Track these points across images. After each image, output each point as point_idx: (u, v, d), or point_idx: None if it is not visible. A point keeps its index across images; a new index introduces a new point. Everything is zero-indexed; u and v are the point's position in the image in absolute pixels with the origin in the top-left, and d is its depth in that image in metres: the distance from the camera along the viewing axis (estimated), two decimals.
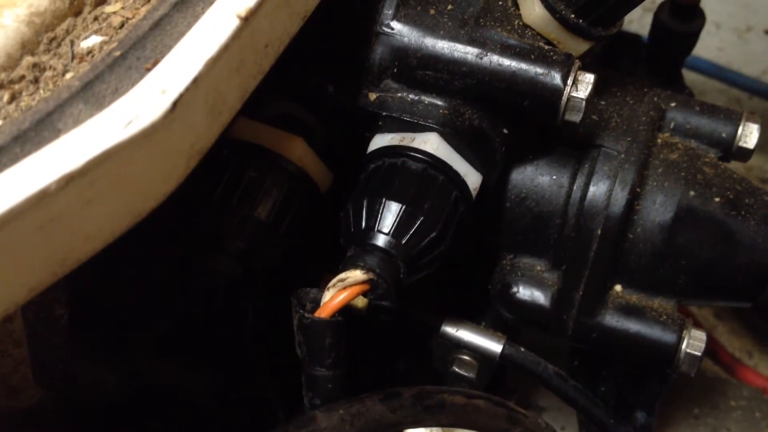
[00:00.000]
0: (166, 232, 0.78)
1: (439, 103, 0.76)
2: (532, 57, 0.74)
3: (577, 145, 0.82)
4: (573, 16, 0.76)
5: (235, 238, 0.78)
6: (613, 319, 0.82)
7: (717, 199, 0.81)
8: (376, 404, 0.66)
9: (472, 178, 0.75)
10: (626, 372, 0.89)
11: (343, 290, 0.68)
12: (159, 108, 0.52)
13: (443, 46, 0.75)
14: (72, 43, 0.59)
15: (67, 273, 0.53)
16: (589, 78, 0.74)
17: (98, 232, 0.53)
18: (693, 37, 1.04)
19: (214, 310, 0.83)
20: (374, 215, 0.71)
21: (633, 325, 0.82)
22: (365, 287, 0.69)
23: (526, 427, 0.71)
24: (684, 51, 1.06)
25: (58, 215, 0.50)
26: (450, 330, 0.83)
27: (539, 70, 0.74)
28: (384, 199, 0.71)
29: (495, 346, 0.83)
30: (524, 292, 0.83)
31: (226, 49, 0.56)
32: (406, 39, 0.76)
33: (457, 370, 0.86)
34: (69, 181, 0.49)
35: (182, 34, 0.57)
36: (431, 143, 0.74)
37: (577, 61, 0.75)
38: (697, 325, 0.84)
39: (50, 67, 0.58)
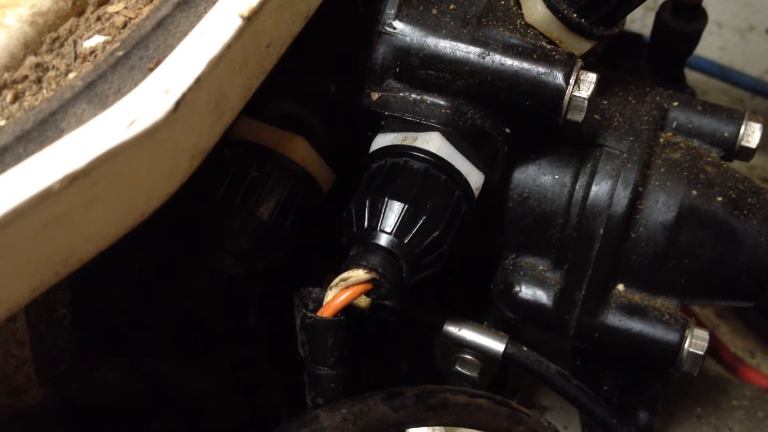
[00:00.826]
0: (169, 232, 0.78)
1: (442, 102, 0.76)
2: (535, 56, 0.74)
3: (579, 145, 0.82)
4: (575, 15, 0.75)
5: (237, 238, 0.78)
6: (615, 319, 0.82)
7: (719, 199, 0.81)
8: (379, 403, 0.66)
9: (475, 178, 0.75)
10: (629, 371, 0.89)
11: (345, 290, 0.68)
12: (162, 108, 0.52)
13: (445, 45, 0.75)
14: (75, 43, 0.59)
15: (70, 273, 0.53)
16: (591, 77, 0.74)
17: (101, 231, 0.53)
18: (695, 37, 1.04)
19: (217, 309, 0.83)
20: (377, 215, 0.71)
21: (635, 325, 0.82)
22: (368, 287, 0.69)
23: (529, 426, 0.71)
24: (686, 50, 1.06)
25: (61, 215, 0.50)
26: (452, 329, 0.83)
27: (541, 69, 0.74)
28: (386, 199, 0.71)
29: (497, 346, 0.82)
30: (527, 292, 0.83)
31: (228, 48, 0.56)
32: (408, 38, 0.76)
33: (459, 369, 0.86)
34: (72, 180, 0.49)
35: (185, 33, 0.57)
36: (433, 143, 0.74)
37: (579, 60, 0.75)
38: (700, 325, 0.84)
39: (53, 67, 0.58)
